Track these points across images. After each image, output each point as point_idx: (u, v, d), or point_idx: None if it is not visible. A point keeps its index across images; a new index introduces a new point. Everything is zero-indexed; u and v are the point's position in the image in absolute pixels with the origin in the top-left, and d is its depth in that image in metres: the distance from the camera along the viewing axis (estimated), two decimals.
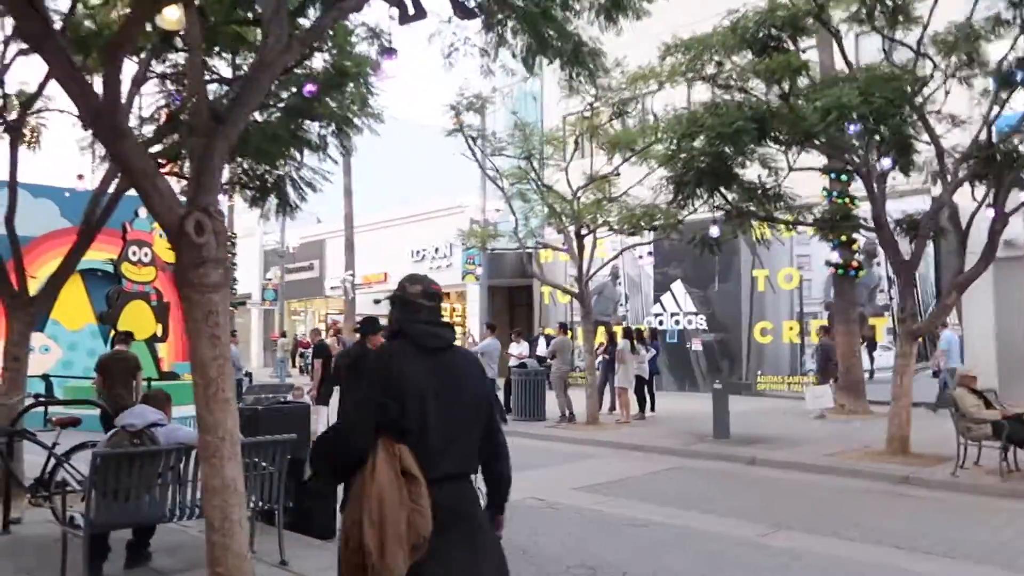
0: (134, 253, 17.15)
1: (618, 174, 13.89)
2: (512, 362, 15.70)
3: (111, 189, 7.87)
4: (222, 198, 7.43)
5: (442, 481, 2.80)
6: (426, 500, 2.71)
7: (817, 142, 10.63)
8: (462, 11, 5.47)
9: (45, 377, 15.34)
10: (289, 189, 7.75)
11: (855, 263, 15.72)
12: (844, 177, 14.66)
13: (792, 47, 10.19)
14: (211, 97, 7.83)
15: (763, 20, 9.68)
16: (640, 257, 19.63)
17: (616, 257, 15.97)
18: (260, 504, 5.77)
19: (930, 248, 14.05)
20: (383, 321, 5.83)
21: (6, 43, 7.49)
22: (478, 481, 3.06)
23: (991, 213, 10.08)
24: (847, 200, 14.36)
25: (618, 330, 15.68)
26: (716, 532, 7.16)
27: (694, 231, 12.86)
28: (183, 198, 4.15)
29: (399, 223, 29.73)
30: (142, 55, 6.99)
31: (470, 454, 2.95)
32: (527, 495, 8.68)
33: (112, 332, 15.93)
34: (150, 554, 5.75)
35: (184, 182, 7.16)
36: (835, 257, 15.43)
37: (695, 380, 20.58)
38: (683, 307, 20.96)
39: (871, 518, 7.66)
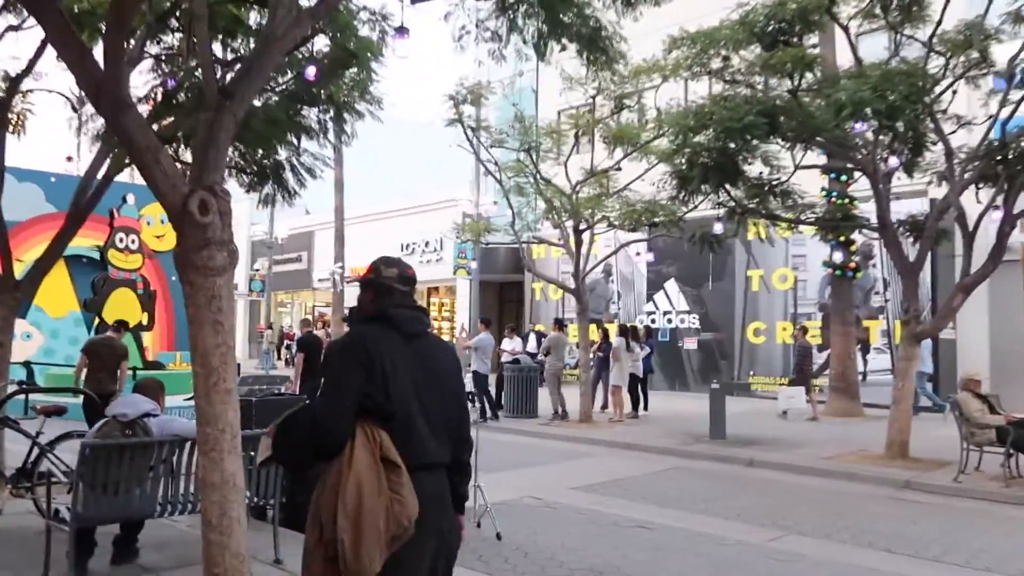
0: (121, 240, 16.86)
1: (619, 168, 13.70)
2: (505, 358, 15.49)
3: (101, 173, 7.61)
4: None
5: (425, 469, 2.71)
6: (408, 488, 2.61)
7: (821, 139, 10.51)
8: None
9: (27, 364, 15.04)
10: (288, 175, 7.51)
11: (853, 264, 15.63)
12: (844, 177, 14.56)
13: (801, 42, 10.04)
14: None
15: (773, 13, 9.51)
16: (638, 254, 19.46)
17: (614, 253, 15.80)
18: (255, 500, 5.54)
19: None
20: None
21: None
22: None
23: (998, 215, 9.97)
24: (847, 200, 14.25)
25: (612, 327, 15.52)
26: (722, 536, 6.99)
27: (693, 228, 12.71)
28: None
29: (389, 216, 29.50)
30: (137, 34, 6.74)
31: (447, 442, 2.85)
32: (524, 493, 8.52)
33: (96, 320, 15.65)
34: (138, 550, 5.51)
35: (180, 166, 6.92)
36: (838, 257, 15.30)
37: (686, 379, 20.47)
38: (676, 306, 20.84)
39: (880, 524, 7.52)
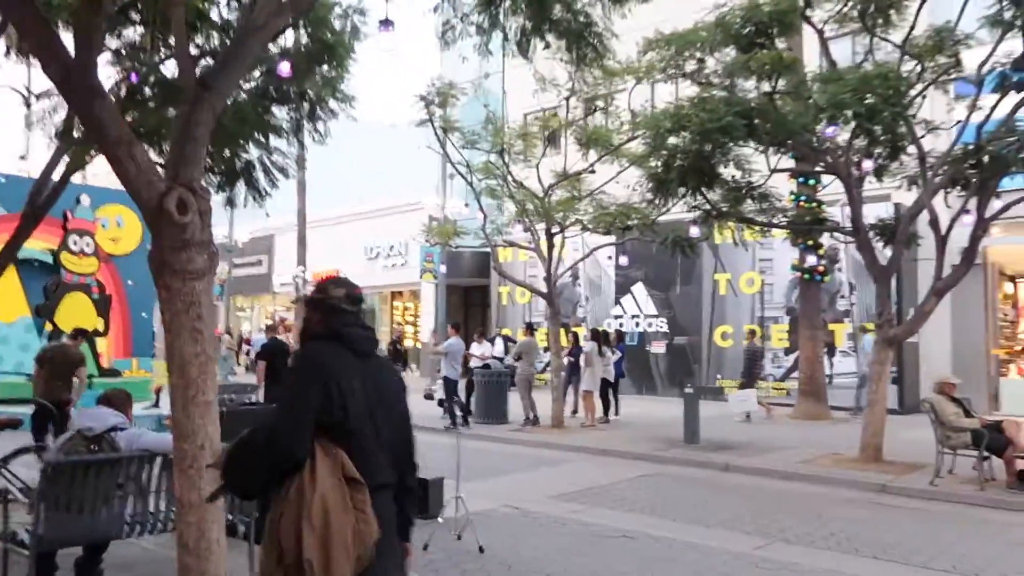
0: (75, 243, 16.23)
1: (593, 171, 13.57)
2: (474, 363, 15.25)
3: (57, 173, 7.25)
4: None
5: (378, 490, 2.67)
6: (370, 507, 2.59)
7: (794, 142, 10.49)
8: None
9: None
10: (260, 175, 7.21)
11: (821, 268, 15.72)
12: (812, 181, 14.62)
13: (777, 44, 10.01)
14: (169, 76, 7.31)
15: (749, 16, 9.45)
16: (610, 258, 19.35)
17: (586, 256, 15.66)
18: (229, 517, 5.24)
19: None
20: None
21: None
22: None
23: (970, 219, 10.04)
24: (815, 204, 14.32)
25: (580, 331, 15.37)
26: (707, 545, 6.85)
27: (666, 232, 12.61)
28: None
29: (353, 219, 29.09)
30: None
31: (394, 464, 2.82)
32: (500, 502, 8.31)
33: (49, 326, 15.03)
34: (102, 571, 5.19)
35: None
36: (810, 261, 15.35)
37: (654, 384, 20.42)
38: (644, 309, 20.79)
39: (862, 530, 7.45)
